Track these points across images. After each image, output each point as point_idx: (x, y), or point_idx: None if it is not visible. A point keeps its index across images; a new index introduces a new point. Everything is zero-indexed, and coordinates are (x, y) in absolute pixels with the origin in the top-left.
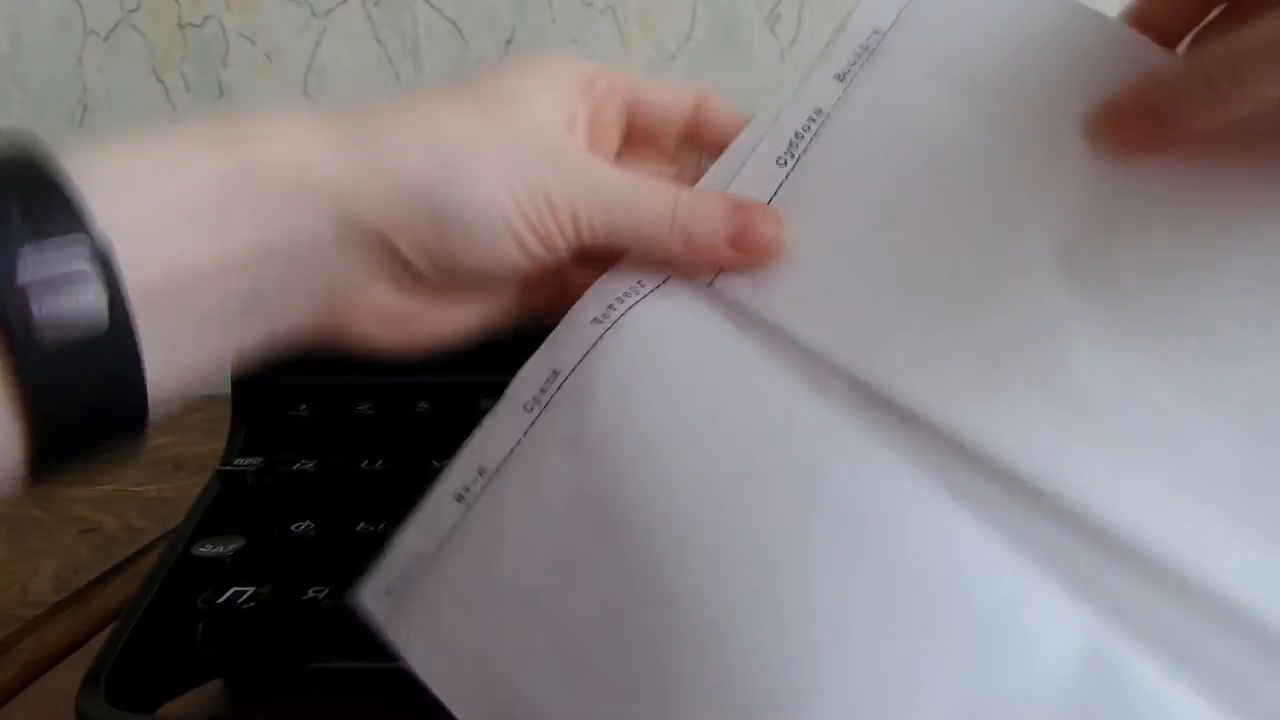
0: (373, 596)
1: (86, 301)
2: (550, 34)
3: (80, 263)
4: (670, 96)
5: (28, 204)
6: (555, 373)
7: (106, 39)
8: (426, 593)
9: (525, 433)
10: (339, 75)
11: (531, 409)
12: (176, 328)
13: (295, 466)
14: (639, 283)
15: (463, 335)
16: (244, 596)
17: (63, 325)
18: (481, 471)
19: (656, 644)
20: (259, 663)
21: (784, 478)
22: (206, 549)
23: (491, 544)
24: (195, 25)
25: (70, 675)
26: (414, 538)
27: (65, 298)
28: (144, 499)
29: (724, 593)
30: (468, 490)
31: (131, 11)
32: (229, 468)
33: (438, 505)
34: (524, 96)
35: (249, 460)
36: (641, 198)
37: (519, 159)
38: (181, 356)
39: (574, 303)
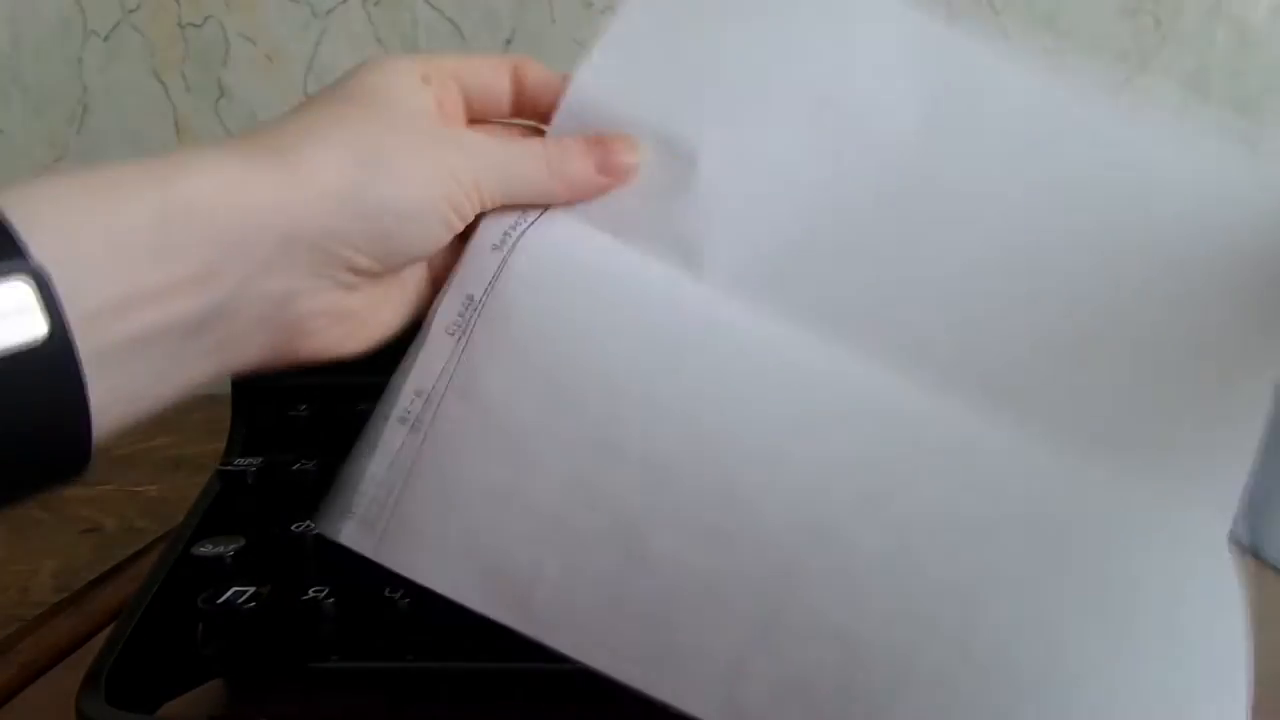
0: (351, 531)
1: (25, 329)
2: (550, 34)
3: (17, 291)
4: (491, 70)
5: None
6: (470, 297)
7: (106, 39)
8: (404, 512)
9: (454, 354)
10: (339, 75)
11: (454, 333)
12: (123, 355)
13: (295, 466)
14: (523, 213)
15: (409, 320)
16: (244, 596)
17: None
18: (419, 394)
19: (615, 490)
20: (259, 663)
21: (684, 335)
22: (206, 549)
23: (450, 454)
24: (195, 25)
25: (70, 675)
26: (371, 465)
27: (3, 326)
28: (144, 499)
29: (661, 435)
30: (408, 413)
31: (131, 11)
32: (229, 468)
33: (384, 431)
34: (392, 96)
35: (249, 460)
36: (523, 159)
37: (424, 148)
38: (130, 385)
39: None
